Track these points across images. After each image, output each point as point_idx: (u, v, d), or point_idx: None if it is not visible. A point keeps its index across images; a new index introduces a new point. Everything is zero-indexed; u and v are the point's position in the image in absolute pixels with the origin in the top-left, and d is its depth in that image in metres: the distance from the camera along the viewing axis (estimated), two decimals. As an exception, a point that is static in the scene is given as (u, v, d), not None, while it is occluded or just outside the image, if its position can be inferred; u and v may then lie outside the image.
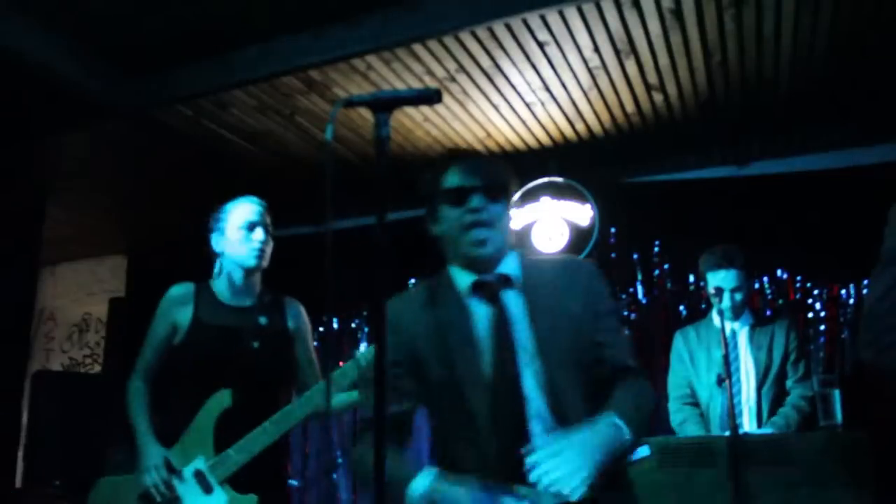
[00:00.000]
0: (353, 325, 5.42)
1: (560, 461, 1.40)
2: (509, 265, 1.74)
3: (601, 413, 1.56)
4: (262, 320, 2.55)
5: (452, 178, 1.70)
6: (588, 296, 1.72)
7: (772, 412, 3.30)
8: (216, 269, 2.63)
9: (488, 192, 1.68)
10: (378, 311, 1.21)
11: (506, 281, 1.71)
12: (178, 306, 2.55)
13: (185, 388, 2.49)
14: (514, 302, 1.70)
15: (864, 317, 1.79)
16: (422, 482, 1.54)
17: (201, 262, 2.64)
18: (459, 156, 1.76)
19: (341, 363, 2.47)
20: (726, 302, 3.32)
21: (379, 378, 1.17)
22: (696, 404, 3.46)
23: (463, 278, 1.73)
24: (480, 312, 1.69)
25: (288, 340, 2.63)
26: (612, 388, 1.66)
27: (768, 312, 4.26)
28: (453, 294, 1.73)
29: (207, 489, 2.38)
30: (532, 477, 1.41)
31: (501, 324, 1.66)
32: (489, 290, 1.70)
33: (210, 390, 2.42)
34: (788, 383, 3.35)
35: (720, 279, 3.34)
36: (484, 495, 1.48)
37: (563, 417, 1.60)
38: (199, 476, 2.39)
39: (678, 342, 3.57)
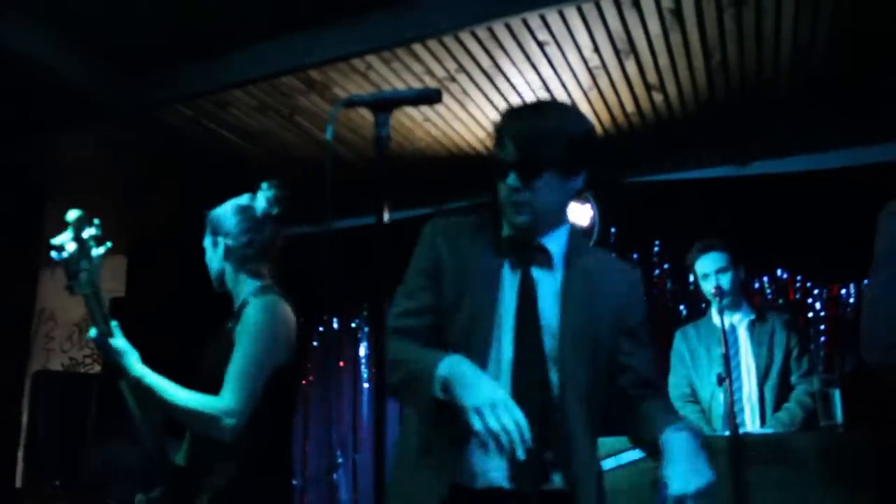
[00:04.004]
0: (353, 325, 5.40)
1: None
2: (555, 240, 1.65)
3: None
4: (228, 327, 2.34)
5: (499, 146, 1.59)
6: (624, 301, 1.67)
7: (775, 409, 3.29)
8: None
9: (524, 173, 1.55)
10: (378, 311, 1.21)
11: (541, 251, 1.64)
12: None
13: None
14: (547, 279, 1.63)
15: (865, 317, 1.79)
16: (449, 361, 1.45)
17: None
18: (513, 115, 1.62)
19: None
20: (714, 285, 3.30)
21: (379, 387, 1.17)
22: (696, 402, 3.46)
23: (507, 232, 1.67)
24: (509, 275, 1.62)
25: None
26: (638, 400, 1.66)
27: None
28: (495, 240, 1.66)
29: None
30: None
31: (526, 296, 1.60)
32: (523, 257, 1.63)
33: None
34: (793, 379, 3.34)
35: (702, 265, 3.41)
36: (496, 387, 1.43)
37: (563, 396, 1.58)
38: None
39: (678, 341, 3.57)
